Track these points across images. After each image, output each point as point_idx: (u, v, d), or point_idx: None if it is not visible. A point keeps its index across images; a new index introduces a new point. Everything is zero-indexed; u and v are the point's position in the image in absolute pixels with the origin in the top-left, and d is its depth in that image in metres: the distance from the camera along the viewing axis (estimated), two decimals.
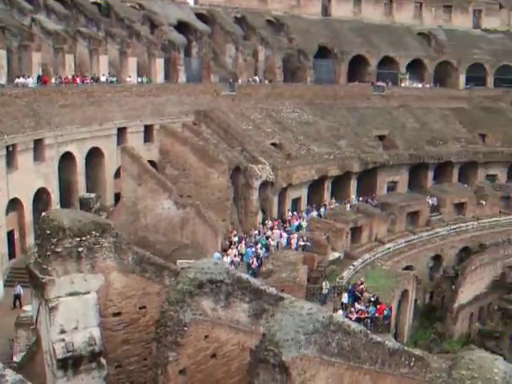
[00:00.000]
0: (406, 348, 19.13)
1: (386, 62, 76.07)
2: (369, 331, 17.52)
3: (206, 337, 16.62)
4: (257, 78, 65.90)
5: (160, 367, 16.17)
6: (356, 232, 51.80)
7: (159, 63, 57.38)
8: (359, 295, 39.30)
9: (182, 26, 62.64)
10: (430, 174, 64.71)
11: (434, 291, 53.42)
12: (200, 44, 63.49)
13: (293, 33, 70.76)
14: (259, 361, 14.72)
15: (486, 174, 68.37)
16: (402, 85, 76.22)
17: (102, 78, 52.41)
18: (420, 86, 77.51)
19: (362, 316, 36.95)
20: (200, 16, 65.81)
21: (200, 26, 64.21)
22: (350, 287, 40.64)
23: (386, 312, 37.92)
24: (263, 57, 68.19)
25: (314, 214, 51.42)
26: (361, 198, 57.59)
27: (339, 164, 56.33)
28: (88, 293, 17.09)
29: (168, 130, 48.85)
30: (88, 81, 51.01)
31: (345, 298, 38.38)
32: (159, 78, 57.42)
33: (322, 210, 52.36)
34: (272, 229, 46.39)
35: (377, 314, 37.55)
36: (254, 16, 69.98)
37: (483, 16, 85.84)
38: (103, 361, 17.42)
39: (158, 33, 59.67)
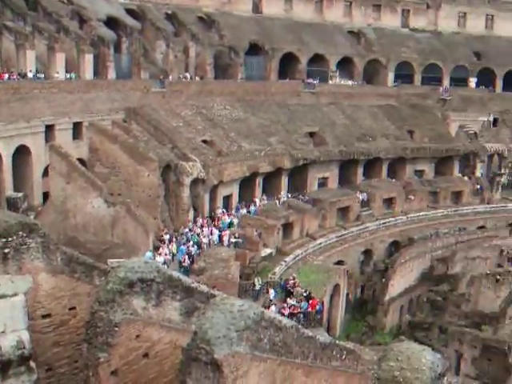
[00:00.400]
0: (337, 342, 19.38)
1: (317, 59, 76.89)
2: (300, 326, 17.68)
3: (138, 336, 16.44)
4: (187, 75, 65.47)
5: (91, 369, 15.93)
6: (287, 228, 52.19)
7: (88, 59, 56.15)
8: (291, 290, 39.64)
9: (111, 22, 61.62)
10: (360, 170, 65.74)
11: (365, 285, 54.31)
12: (130, 40, 62.63)
13: (224, 29, 70.61)
14: (191, 359, 14.66)
15: (414, 170, 70.01)
16: (332, 82, 77.17)
17: (29, 74, 50.93)
18: (350, 83, 78.61)
19: (295, 311, 37.27)
20: (130, 12, 64.89)
21: (130, 21, 63.33)
22: (282, 283, 40.93)
23: (318, 307, 38.37)
24: (194, 53, 67.73)
25: (244, 211, 51.48)
26: (290, 195, 57.86)
27: (270, 161, 56.52)
28: (15, 295, 16.61)
29: (97, 127, 47.96)
30: (14, 77, 49.58)
31: (272, 294, 38.50)
32: (88, 74, 56.20)
33: (252, 207, 52.44)
34: (202, 227, 46.26)
35: (309, 309, 37.91)
36: (185, 12, 69.53)
37: (411, 15, 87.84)
38: (33, 364, 16.98)
39: (86, 28, 58.50)
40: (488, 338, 40.26)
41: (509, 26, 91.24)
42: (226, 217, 48.95)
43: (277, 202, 55.02)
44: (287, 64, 74.32)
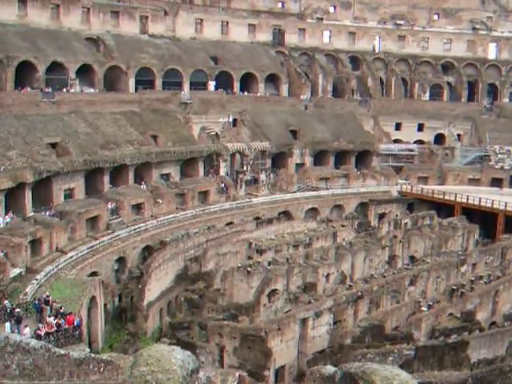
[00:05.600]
0: (93, 355, 18.96)
1: (55, 67, 74.79)
2: (52, 346, 17.01)
3: None
4: None
5: None
6: (36, 244, 50.02)
7: None
8: (47, 309, 38.26)
9: None
10: (107, 178, 64.96)
11: (122, 293, 53.81)
12: None
13: None
14: None
15: (160, 174, 71.13)
16: (73, 90, 75.52)
17: None
18: (91, 91, 77.52)
19: (52, 330, 35.96)
20: None
21: None
22: (35, 302, 39.25)
23: (76, 322, 37.35)
24: None
25: None
26: (34, 209, 55.31)
27: (11, 175, 53.06)
28: None
29: None
30: None
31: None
32: None
33: None
34: None
35: (67, 326, 36.78)
36: None
37: (149, 22, 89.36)
38: None
39: None
40: (245, 327, 42.07)
41: (241, 31, 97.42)
42: None
43: (23, 218, 52.28)
44: (24, 73, 71.15)
